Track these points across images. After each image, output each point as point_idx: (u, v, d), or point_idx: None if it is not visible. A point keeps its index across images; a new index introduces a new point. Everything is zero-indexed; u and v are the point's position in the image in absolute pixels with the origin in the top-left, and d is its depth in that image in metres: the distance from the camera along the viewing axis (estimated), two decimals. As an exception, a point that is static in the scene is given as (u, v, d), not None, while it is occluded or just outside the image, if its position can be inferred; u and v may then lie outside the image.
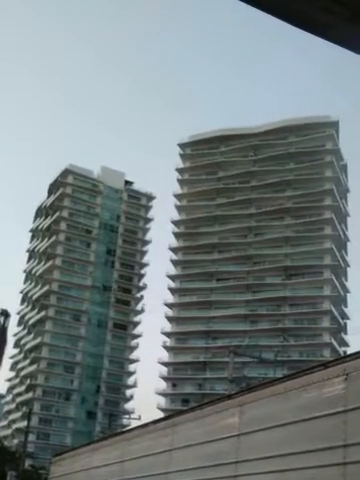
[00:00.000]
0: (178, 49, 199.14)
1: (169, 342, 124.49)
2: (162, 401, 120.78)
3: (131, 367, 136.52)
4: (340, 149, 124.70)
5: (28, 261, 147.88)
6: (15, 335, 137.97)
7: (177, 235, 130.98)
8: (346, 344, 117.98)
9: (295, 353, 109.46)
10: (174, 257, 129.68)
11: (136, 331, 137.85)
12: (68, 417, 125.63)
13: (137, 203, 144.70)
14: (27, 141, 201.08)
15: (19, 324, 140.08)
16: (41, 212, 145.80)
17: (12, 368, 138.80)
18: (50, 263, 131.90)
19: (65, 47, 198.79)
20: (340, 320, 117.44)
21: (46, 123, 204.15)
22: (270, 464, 8.02)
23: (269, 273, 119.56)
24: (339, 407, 7.13)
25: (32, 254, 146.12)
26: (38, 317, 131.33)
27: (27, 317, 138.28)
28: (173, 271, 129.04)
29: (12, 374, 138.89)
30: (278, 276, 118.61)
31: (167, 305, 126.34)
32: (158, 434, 11.28)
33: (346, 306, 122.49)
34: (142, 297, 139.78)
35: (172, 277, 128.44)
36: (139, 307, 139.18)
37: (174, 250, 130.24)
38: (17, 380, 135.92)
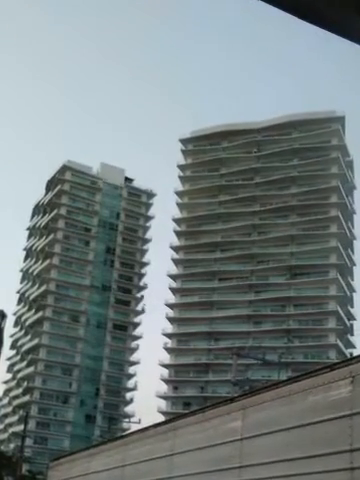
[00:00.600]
0: (179, 43, 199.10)
1: (170, 343, 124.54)
2: (163, 404, 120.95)
3: (131, 369, 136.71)
4: (346, 145, 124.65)
5: (25, 260, 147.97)
6: (12, 336, 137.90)
7: (178, 233, 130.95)
8: (352, 346, 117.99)
9: (300, 355, 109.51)
10: (175, 256, 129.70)
11: (136, 332, 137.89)
12: (66, 421, 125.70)
13: (137, 200, 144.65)
14: (25, 137, 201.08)
15: (16, 325, 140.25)
16: (38, 209, 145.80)
17: (9, 370, 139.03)
18: (48, 262, 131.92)
19: (64, 42, 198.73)
20: (346, 321, 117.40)
21: (44, 119, 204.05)
22: (274, 469, 8.02)
23: (273, 272, 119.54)
24: (345, 410, 7.14)
25: (29, 253, 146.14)
26: (35, 318, 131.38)
27: (24, 318, 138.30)
28: (174, 270, 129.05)
29: (9, 376, 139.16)
30: (282, 275, 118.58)
31: (168, 305, 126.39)
32: (159, 438, 11.29)
33: (352, 306, 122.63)
34: (142, 297, 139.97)
35: (173, 277, 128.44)
36: (139, 307, 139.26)
37: (175, 249, 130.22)
38: (14, 382, 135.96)
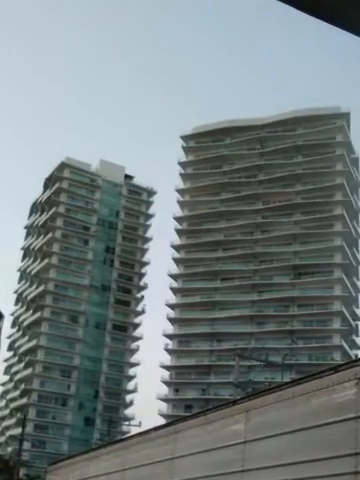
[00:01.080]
0: (180, 39, 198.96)
1: (171, 345, 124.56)
2: (164, 407, 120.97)
3: (131, 371, 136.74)
4: (351, 142, 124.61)
5: (23, 259, 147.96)
6: (9, 337, 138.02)
7: (180, 232, 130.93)
8: (358, 347, 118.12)
9: (304, 356, 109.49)
10: (176, 255, 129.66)
11: (136, 333, 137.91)
12: (65, 424, 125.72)
13: (137, 198, 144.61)
14: (22, 133, 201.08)
15: (13, 325, 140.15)
16: (36, 208, 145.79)
17: (6, 372, 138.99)
18: (46, 261, 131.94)
19: (63, 35, 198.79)
20: (351, 321, 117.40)
21: (43, 114, 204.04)
22: (278, 473, 8.04)
23: (276, 272, 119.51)
24: (350, 413, 7.14)
25: (27, 252, 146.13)
26: (33, 318, 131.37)
27: (22, 318, 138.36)
28: (175, 270, 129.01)
29: (6, 378, 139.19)
30: (286, 275, 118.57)
31: (169, 306, 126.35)
32: (160, 442, 11.31)
33: (358, 307, 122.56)
34: (143, 297, 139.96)
35: (174, 276, 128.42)
36: (139, 308, 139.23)
37: (176, 248, 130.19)
38: (11, 384, 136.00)
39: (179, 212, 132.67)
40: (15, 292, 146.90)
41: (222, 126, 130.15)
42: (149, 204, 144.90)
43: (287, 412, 8.18)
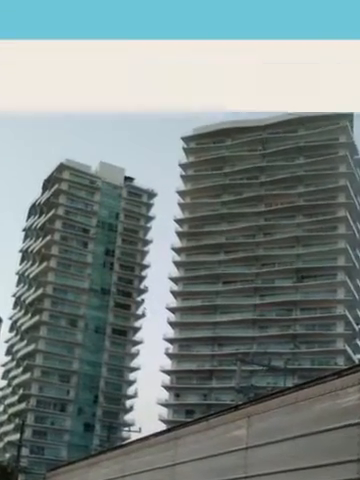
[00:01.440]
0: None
1: (172, 349, 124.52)
2: (164, 412, 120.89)
3: (131, 376, 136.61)
4: (354, 142, 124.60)
5: (21, 262, 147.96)
6: (7, 341, 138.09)
7: (180, 235, 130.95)
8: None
9: (307, 361, 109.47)
10: (177, 258, 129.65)
11: (136, 337, 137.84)
12: (64, 429, 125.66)
13: (138, 200, 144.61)
14: (20, 133, 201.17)
15: (11, 330, 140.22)
16: (35, 210, 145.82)
17: (4, 376, 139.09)
18: (44, 264, 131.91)
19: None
20: (355, 325, 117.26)
21: (41, 114, 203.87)
22: (280, 479, 8.04)
23: (279, 275, 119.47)
24: (354, 419, 7.15)
25: (25, 255, 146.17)
26: (32, 322, 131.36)
27: (20, 322, 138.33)
28: (176, 273, 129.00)
29: (4, 383, 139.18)
30: (288, 278, 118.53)
31: (170, 309, 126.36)
32: (160, 447, 11.30)
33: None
34: (143, 301, 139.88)
35: (175, 279, 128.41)
36: (140, 311, 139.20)
37: (177, 251, 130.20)
38: (9, 389, 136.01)
39: (180, 214, 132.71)
40: (13, 296, 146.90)
41: (223, 127, 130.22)
42: (149, 206, 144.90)
43: (290, 418, 8.19)
